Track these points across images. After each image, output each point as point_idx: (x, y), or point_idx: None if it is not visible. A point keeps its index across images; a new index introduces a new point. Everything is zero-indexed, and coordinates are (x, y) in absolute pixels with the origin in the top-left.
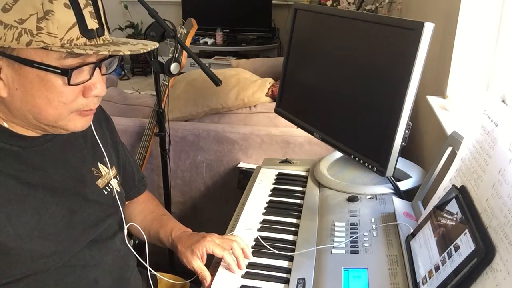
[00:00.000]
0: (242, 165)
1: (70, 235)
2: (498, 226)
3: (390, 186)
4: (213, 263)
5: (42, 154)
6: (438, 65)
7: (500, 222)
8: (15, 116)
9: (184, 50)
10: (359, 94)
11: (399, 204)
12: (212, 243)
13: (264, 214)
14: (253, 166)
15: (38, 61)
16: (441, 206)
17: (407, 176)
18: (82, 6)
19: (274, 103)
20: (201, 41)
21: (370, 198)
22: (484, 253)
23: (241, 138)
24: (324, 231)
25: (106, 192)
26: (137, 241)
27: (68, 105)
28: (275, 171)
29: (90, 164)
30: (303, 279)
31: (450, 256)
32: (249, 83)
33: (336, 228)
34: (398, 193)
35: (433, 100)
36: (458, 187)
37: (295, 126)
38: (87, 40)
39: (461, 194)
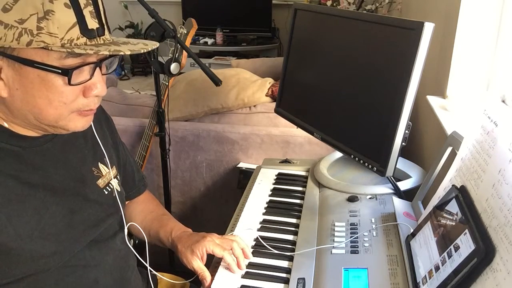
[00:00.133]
0: (242, 165)
1: (70, 235)
2: (498, 226)
3: (390, 186)
4: (213, 263)
5: (43, 154)
6: (438, 65)
7: (500, 222)
8: (16, 116)
9: (184, 50)
10: (359, 94)
11: (399, 204)
12: (212, 243)
13: (264, 214)
14: (253, 166)
15: (39, 61)
16: (441, 206)
17: (407, 176)
18: (82, 6)
19: (274, 103)
20: (201, 41)
21: (370, 198)
22: (484, 253)
23: (241, 138)
24: (324, 231)
25: (106, 192)
26: (137, 241)
27: (69, 105)
28: (275, 171)
29: (90, 164)
30: (303, 279)
31: (450, 256)
32: (249, 83)
33: (336, 228)
34: (398, 193)
35: (433, 100)
36: (458, 187)
37: (295, 126)
38: (88, 40)
39: (461, 194)
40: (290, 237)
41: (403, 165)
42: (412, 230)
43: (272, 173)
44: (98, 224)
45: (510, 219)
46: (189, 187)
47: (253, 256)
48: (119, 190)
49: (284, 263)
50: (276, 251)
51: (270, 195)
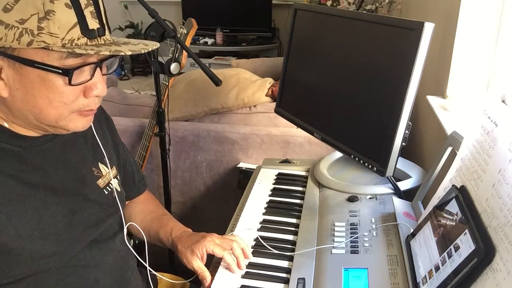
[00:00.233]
0: (242, 165)
1: (70, 235)
2: (498, 226)
3: (390, 186)
4: (213, 263)
5: (43, 154)
6: (438, 65)
7: (500, 222)
8: (16, 116)
9: (184, 50)
10: (359, 94)
11: (399, 204)
12: (212, 243)
13: (264, 214)
14: (253, 166)
15: (39, 61)
16: (441, 206)
17: (407, 176)
18: (83, 6)
19: (274, 103)
20: (201, 41)
21: (370, 198)
22: (484, 253)
23: (241, 138)
24: (324, 231)
25: (106, 192)
26: (137, 241)
27: (69, 105)
28: (275, 171)
29: (90, 164)
30: (303, 279)
31: (450, 256)
32: (249, 83)
33: (336, 228)
34: (398, 193)
35: (433, 100)
36: (458, 187)
37: (295, 126)
38: (88, 40)
39: (461, 194)
40: (290, 237)
41: (403, 165)
42: (412, 230)
43: (272, 173)
44: (98, 224)
45: (510, 219)
46: (189, 187)
47: (253, 256)
48: (119, 190)
49: (284, 263)
50: (276, 251)
51: (270, 195)
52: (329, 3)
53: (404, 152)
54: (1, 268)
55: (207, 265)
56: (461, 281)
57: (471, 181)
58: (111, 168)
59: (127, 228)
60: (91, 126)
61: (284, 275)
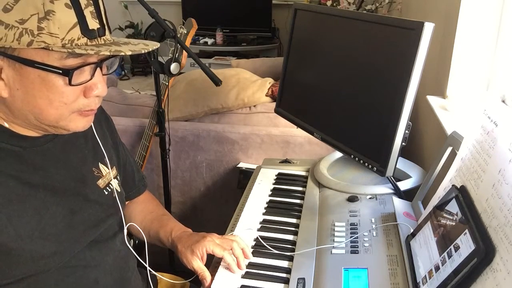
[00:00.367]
0: (242, 165)
1: (70, 235)
2: (498, 226)
3: (390, 186)
4: (213, 263)
5: (43, 154)
6: (438, 65)
7: (500, 222)
8: (16, 116)
9: (184, 50)
10: (359, 94)
11: (399, 204)
12: (212, 243)
13: (264, 214)
14: (253, 166)
15: (39, 61)
16: (441, 206)
17: (407, 176)
18: (83, 6)
19: (274, 103)
20: (201, 41)
21: (370, 198)
22: (484, 253)
23: (241, 138)
24: (324, 231)
25: (106, 193)
26: (137, 241)
27: (69, 105)
28: (275, 171)
29: (90, 164)
30: (303, 279)
31: (450, 256)
32: (249, 83)
33: (336, 228)
34: (398, 193)
35: (433, 100)
36: (458, 187)
37: (295, 126)
38: (88, 40)
39: (461, 194)
40: (290, 237)
41: (403, 165)
42: (412, 230)
43: (272, 173)
44: (98, 225)
45: (510, 219)
46: (189, 187)
47: (253, 256)
48: (119, 190)
49: (284, 263)
50: (276, 251)
51: (270, 195)
52: (329, 3)
53: (404, 152)
54: (1, 269)
55: (207, 265)
56: (461, 281)
57: (471, 181)
58: (111, 168)
59: (127, 228)
60: (91, 126)
61: (284, 275)
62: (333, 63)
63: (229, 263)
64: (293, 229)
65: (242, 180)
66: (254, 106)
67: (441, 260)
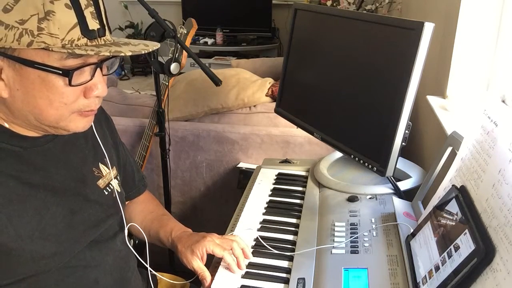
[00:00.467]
0: (242, 165)
1: (70, 235)
2: (498, 226)
3: (390, 186)
4: (213, 263)
5: (44, 154)
6: (438, 65)
7: (500, 222)
8: (16, 116)
9: (184, 50)
10: (359, 94)
11: (399, 204)
12: (212, 243)
13: (264, 214)
14: (253, 166)
15: (39, 61)
16: (441, 206)
17: (407, 176)
18: (83, 6)
19: (274, 103)
20: (201, 41)
21: (370, 198)
22: (484, 253)
23: (241, 138)
24: (324, 231)
25: (106, 193)
26: (137, 241)
27: (69, 106)
28: (275, 171)
29: (91, 164)
30: (303, 279)
31: (450, 256)
32: (249, 83)
33: (336, 228)
34: (398, 193)
35: (433, 100)
36: (458, 187)
37: (295, 126)
38: (88, 40)
39: (461, 194)
40: (290, 237)
41: (403, 165)
42: (412, 230)
43: (272, 173)
44: (98, 225)
45: (510, 219)
46: (189, 187)
47: (253, 256)
48: (119, 190)
49: (284, 263)
50: (276, 251)
51: (270, 195)
52: (329, 3)
53: (404, 152)
54: (1, 269)
55: (207, 265)
56: (461, 281)
57: (471, 181)
58: (111, 168)
59: (127, 229)
60: (91, 126)
61: (284, 275)
62: (333, 63)
63: (229, 263)
64: (293, 229)
65: (242, 180)
66: (254, 106)
67: (441, 260)
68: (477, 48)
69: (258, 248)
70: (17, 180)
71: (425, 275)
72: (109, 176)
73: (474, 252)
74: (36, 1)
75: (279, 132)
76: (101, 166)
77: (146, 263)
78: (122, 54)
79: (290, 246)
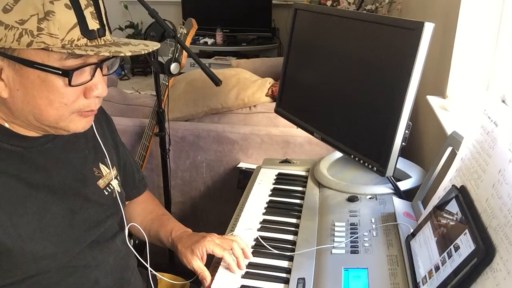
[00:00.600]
0: (242, 165)
1: (71, 235)
2: (498, 226)
3: (390, 186)
4: (213, 263)
5: (44, 154)
6: (438, 65)
7: (500, 222)
8: (16, 116)
9: (184, 50)
10: (359, 94)
11: (399, 204)
12: (212, 243)
13: (264, 214)
14: (253, 166)
15: (39, 62)
16: (441, 206)
17: (407, 176)
18: (83, 6)
19: (274, 103)
20: (201, 41)
21: (370, 198)
22: (484, 253)
23: (241, 138)
24: (324, 231)
25: (107, 193)
26: (137, 241)
27: (69, 106)
28: (275, 171)
29: (91, 164)
30: (303, 279)
31: (450, 256)
32: (249, 83)
33: (336, 228)
34: (398, 193)
35: (433, 100)
36: (458, 187)
37: (295, 126)
38: (88, 40)
39: (461, 194)
40: (290, 237)
41: (403, 165)
42: (412, 230)
43: (272, 173)
44: (98, 225)
45: (510, 219)
46: (189, 187)
47: (253, 256)
48: (119, 191)
49: (284, 263)
50: (276, 251)
51: (270, 195)
52: (329, 3)
53: (404, 152)
54: (2, 269)
55: (207, 265)
56: (461, 281)
57: (471, 181)
58: (111, 168)
59: (128, 229)
60: (92, 126)
61: (284, 275)
62: (333, 63)
63: (229, 263)
64: (293, 229)
65: (242, 180)
66: (254, 106)
67: (441, 260)
68: (477, 48)
69: (258, 248)
70: (17, 180)
71: (425, 275)
72: (109, 176)
73: (474, 252)
74: (36, 1)
75: (279, 132)
76: (101, 166)
77: (146, 263)
78: (122, 54)
79: (290, 246)
